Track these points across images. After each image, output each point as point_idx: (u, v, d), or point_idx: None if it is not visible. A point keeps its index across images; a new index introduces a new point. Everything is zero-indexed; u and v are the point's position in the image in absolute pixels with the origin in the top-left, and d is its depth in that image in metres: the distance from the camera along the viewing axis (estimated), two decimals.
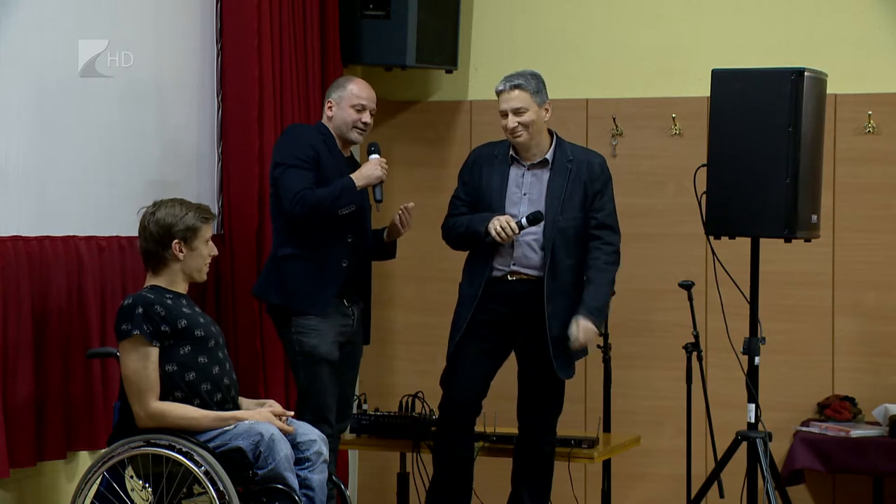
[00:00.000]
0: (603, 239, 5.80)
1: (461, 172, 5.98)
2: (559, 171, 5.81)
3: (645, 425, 7.03)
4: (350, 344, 5.88)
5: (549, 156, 5.83)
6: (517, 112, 5.75)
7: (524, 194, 5.83)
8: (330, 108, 5.83)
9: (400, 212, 5.90)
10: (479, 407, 5.91)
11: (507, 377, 5.95)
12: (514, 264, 5.80)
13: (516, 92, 5.76)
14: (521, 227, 5.72)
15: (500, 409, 6.05)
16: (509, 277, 5.81)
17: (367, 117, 5.84)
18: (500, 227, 5.69)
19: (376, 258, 6.05)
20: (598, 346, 6.55)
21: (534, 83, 5.77)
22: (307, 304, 5.72)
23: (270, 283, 5.80)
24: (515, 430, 6.05)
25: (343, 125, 5.82)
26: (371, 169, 5.77)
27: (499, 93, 5.79)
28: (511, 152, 5.86)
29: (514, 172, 5.86)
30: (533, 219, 5.71)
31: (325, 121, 5.86)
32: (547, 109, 5.81)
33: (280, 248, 5.79)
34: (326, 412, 5.75)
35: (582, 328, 5.70)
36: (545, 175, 5.83)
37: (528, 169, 5.84)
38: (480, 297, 5.80)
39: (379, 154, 5.84)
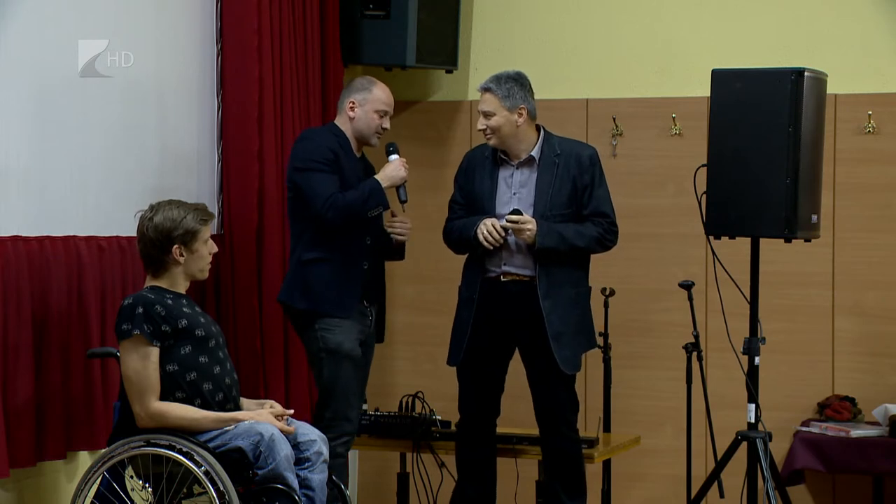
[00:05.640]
0: (597, 219, 5.80)
1: (456, 176, 5.99)
2: (546, 167, 5.79)
3: (645, 425, 7.02)
4: (364, 344, 5.89)
5: (535, 153, 5.82)
6: (486, 115, 5.78)
7: (514, 193, 5.82)
8: (352, 108, 5.82)
9: (396, 226, 5.91)
10: (497, 411, 5.95)
11: (508, 377, 5.94)
12: (504, 264, 5.79)
13: (486, 95, 5.79)
14: (507, 230, 5.71)
15: (501, 409, 6.04)
16: (502, 279, 5.80)
17: (387, 123, 5.87)
18: (487, 231, 5.70)
19: (386, 259, 6.06)
20: (598, 346, 6.55)
21: (506, 88, 5.75)
22: (334, 308, 5.73)
23: (296, 288, 5.80)
24: (516, 430, 6.09)
25: (366, 129, 5.83)
26: (394, 170, 5.80)
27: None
28: (499, 153, 5.85)
29: (503, 172, 5.85)
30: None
31: (342, 120, 5.86)
32: (521, 114, 5.76)
33: (304, 252, 5.78)
34: (348, 409, 5.75)
35: (531, 218, 5.67)
36: (533, 172, 5.82)
37: (517, 168, 5.83)
38: (478, 299, 5.80)
39: (398, 154, 5.85)
